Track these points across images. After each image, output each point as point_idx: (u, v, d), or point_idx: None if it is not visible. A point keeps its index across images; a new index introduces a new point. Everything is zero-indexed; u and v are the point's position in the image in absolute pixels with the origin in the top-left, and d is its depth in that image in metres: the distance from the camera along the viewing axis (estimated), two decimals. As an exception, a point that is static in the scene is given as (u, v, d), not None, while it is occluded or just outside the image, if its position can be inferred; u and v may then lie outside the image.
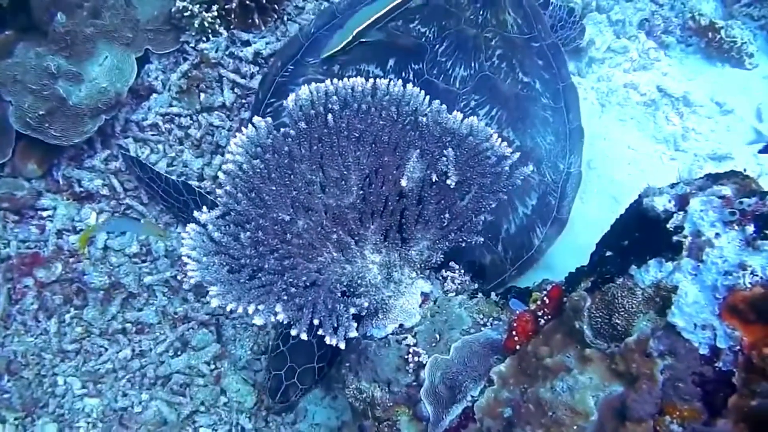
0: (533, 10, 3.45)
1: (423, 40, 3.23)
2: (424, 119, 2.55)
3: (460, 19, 3.28)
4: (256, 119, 2.47)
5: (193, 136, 3.77)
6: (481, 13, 3.31)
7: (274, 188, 2.45)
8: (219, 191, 2.42)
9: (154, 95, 3.83)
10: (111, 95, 3.46)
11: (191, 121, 3.82)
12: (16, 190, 3.47)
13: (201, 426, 3.49)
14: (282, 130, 2.50)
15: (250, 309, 2.25)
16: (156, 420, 3.46)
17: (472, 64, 3.20)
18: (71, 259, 3.48)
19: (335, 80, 2.53)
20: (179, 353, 3.53)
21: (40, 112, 3.28)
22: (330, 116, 2.49)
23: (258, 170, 2.44)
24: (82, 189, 3.58)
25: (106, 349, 3.50)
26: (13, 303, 3.44)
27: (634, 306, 1.84)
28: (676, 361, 1.70)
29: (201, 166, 3.71)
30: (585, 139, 3.35)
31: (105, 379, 3.44)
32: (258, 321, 2.25)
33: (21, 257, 3.42)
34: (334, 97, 2.50)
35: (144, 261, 3.61)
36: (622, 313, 1.85)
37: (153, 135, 3.75)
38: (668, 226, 1.92)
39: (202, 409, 3.49)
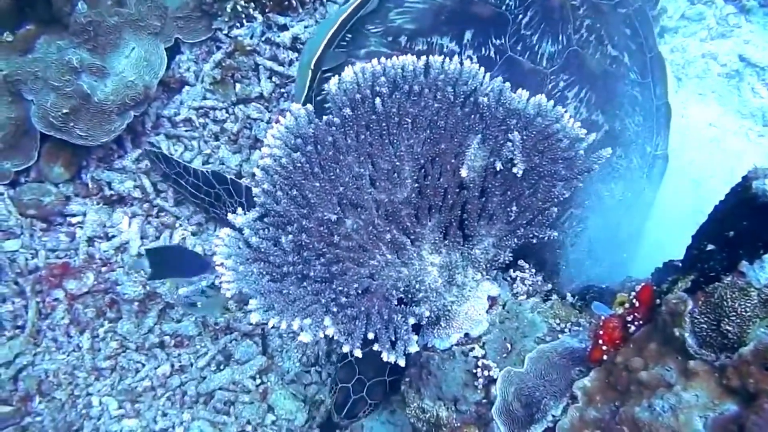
0: None
1: (503, 8, 2.79)
2: (485, 100, 2.31)
3: None
4: (294, 107, 2.23)
5: (229, 130, 3.59)
6: None
7: (318, 184, 2.23)
8: (256, 190, 2.20)
9: (187, 87, 3.65)
10: (139, 89, 3.26)
11: (227, 114, 3.64)
12: (43, 196, 3.30)
13: (248, 448, 3.33)
14: (325, 117, 2.27)
15: (296, 324, 2.04)
16: (199, 442, 3.32)
17: (560, 38, 2.79)
18: (103, 268, 3.31)
19: (383, 59, 2.26)
20: (222, 367, 3.36)
21: (64, 111, 3.09)
22: (378, 100, 2.26)
23: (299, 164, 2.22)
24: (112, 192, 3.41)
25: (144, 365, 3.34)
26: (43, 317, 3.28)
27: (748, 309, 1.61)
28: (805, 374, 1.46)
29: (239, 162, 3.54)
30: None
31: (143, 398, 3.30)
32: (305, 338, 2.03)
33: (50, 268, 3.26)
34: (382, 79, 2.28)
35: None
36: (734, 318, 1.62)
37: (186, 131, 3.58)
38: (786, 213, 1.67)
39: (249, 428, 3.32)
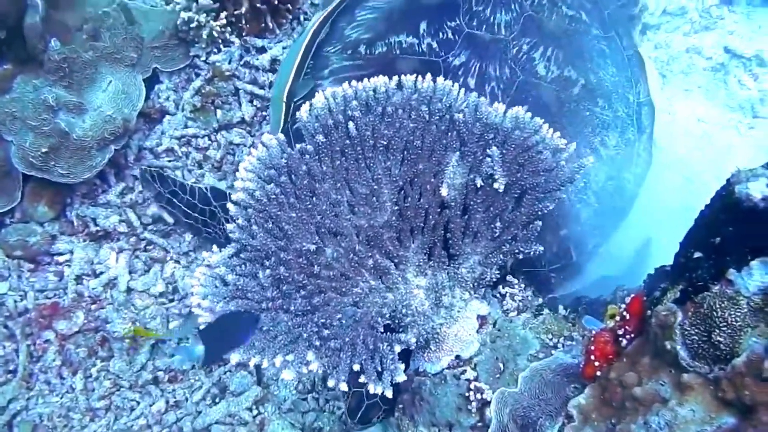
0: None
1: None
2: (461, 116, 2.27)
3: None
4: (266, 137, 2.19)
5: (212, 157, 3.53)
6: None
7: (294, 215, 2.19)
8: (230, 226, 2.15)
9: (168, 117, 3.58)
10: (118, 123, 3.20)
11: (209, 142, 3.58)
12: (29, 236, 3.25)
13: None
14: (298, 146, 2.21)
15: (278, 361, 1.99)
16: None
17: (513, 6, 2.89)
18: (93, 306, 3.25)
19: (354, 82, 2.23)
20: (217, 400, 3.28)
21: (43, 150, 3.04)
22: (352, 124, 2.22)
23: (274, 196, 2.18)
24: (98, 228, 3.34)
25: (138, 403, 3.27)
26: (35, 360, 3.21)
27: (738, 319, 1.57)
28: (801, 383, 1.41)
29: (225, 189, 3.44)
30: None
31: None
32: (287, 375, 1.97)
33: (39, 309, 3.20)
34: (354, 102, 2.24)
35: (171, 300, 3.36)
36: (725, 328, 1.58)
37: (170, 161, 3.51)
38: (771, 216, 1.62)
39: (248, 461, 3.26)
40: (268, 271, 2.11)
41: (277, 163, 2.18)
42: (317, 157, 2.22)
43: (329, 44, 2.95)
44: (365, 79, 2.25)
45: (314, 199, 2.20)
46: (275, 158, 2.18)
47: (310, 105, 2.22)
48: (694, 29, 4.04)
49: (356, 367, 2.04)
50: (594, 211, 2.82)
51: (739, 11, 4.09)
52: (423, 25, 2.81)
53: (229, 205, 2.19)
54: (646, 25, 4.00)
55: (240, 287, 2.10)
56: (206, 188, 3.18)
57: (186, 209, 3.20)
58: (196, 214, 3.18)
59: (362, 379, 2.06)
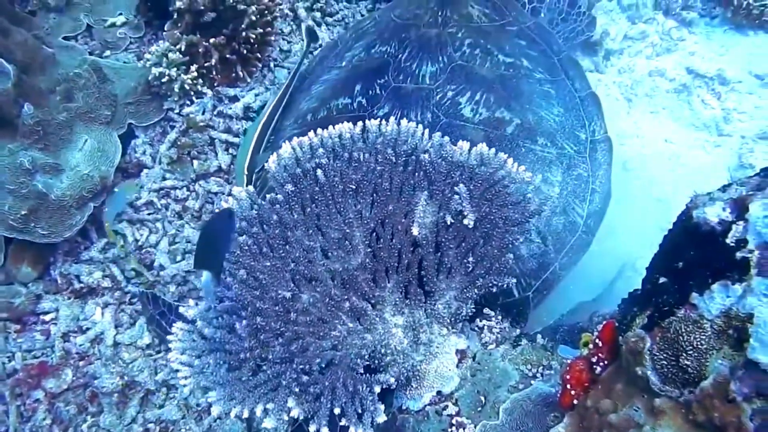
0: None
1: (385, 57, 3.22)
2: (426, 156, 2.31)
3: (419, 25, 3.28)
4: (235, 190, 2.22)
5: (191, 207, 3.57)
6: (440, 14, 3.30)
7: (268, 263, 2.20)
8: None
9: (145, 171, 3.63)
10: (96, 181, 3.25)
11: (188, 192, 3.61)
12: (14, 298, 3.27)
13: None
14: (268, 196, 2.24)
15: (258, 410, 1.99)
16: None
17: (440, 58, 3.11)
18: (81, 362, 3.26)
19: (319, 130, 2.27)
20: (209, 449, 3.27)
21: (23, 212, 3.07)
22: (320, 172, 2.25)
23: (246, 247, 2.19)
24: (82, 284, 3.37)
25: (131, 457, 3.25)
26: (25, 420, 3.21)
27: (703, 342, 1.58)
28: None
29: (205, 237, 3.47)
30: (615, 137, 3.11)
31: None
32: (268, 424, 1.97)
33: (27, 369, 3.20)
34: (321, 150, 2.28)
35: (159, 352, 3.36)
36: (691, 352, 1.59)
37: (149, 213, 3.55)
38: (728, 240, 1.64)
39: None
40: (244, 322, 2.12)
41: (248, 214, 2.21)
42: (288, 205, 2.24)
43: (287, 118, 3.29)
44: (330, 126, 2.31)
45: (287, 246, 2.21)
46: (246, 210, 2.22)
47: (278, 155, 2.26)
48: (656, 52, 4.10)
49: (337, 411, 2.04)
50: (538, 249, 2.83)
51: (699, 32, 4.15)
52: (357, 87, 3.13)
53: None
54: (609, 51, 4.06)
55: (217, 339, 2.11)
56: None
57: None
58: None
59: (343, 422, 2.07)
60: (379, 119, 2.32)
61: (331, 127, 2.30)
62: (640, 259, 2.13)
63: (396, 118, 2.35)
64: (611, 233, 3.06)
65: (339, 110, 3.08)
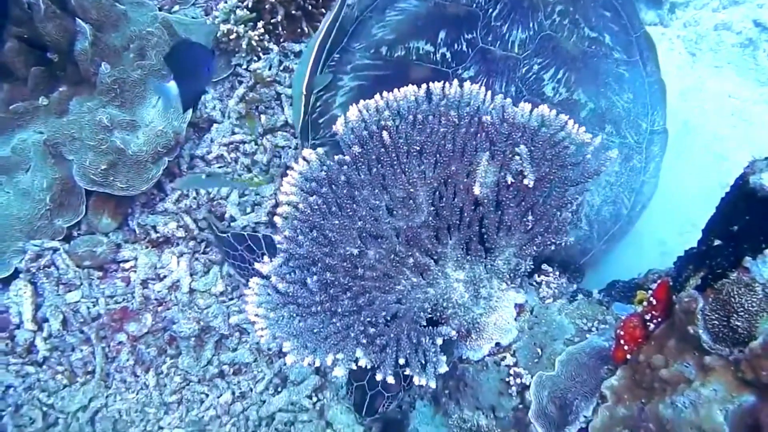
0: None
1: (474, 6, 2.98)
2: (489, 118, 2.36)
3: None
4: (306, 152, 2.33)
5: (260, 161, 3.66)
6: None
7: (337, 222, 2.31)
8: (277, 237, 2.29)
9: (215, 125, 3.74)
10: (170, 136, 3.38)
11: (256, 146, 3.70)
12: (96, 247, 3.45)
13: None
14: (336, 157, 2.34)
15: (329, 360, 2.12)
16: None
17: (531, 25, 2.95)
18: (159, 308, 3.44)
19: (385, 94, 2.35)
20: (279, 390, 3.43)
21: (103, 167, 3.23)
22: (385, 134, 2.33)
23: (316, 207, 2.31)
24: (158, 234, 3.53)
25: (207, 396, 3.44)
26: (110, 361, 3.42)
27: (754, 304, 1.61)
28: (815, 364, 1.47)
29: (273, 191, 3.60)
30: (677, 94, 3.05)
31: (210, 426, 3.39)
32: (338, 372, 2.11)
33: (111, 314, 3.40)
34: (386, 113, 2.35)
35: (231, 299, 3.54)
36: (742, 313, 1.63)
37: (220, 167, 3.66)
38: (783, 207, 1.66)
39: (310, 446, 3.41)
40: (315, 277, 2.25)
41: (317, 175, 2.32)
42: (355, 166, 2.35)
43: (357, 41, 3.01)
44: (395, 90, 2.38)
45: (354, 206, 2.32)
46: (315, 171, 2.32)
47: (345, 118, 2.36)
48: (722, 4, 3.98)
49: (402, 361, 2.16)
50: (584, 236, 2.85)
51: (768, -18, 4.01)
52: (442, 34, 2.92)
53: (276, 218, 2.34)
54: (674, 3, 3.97)
55: (291, 294, 2.24)
56: (229, 236, 3.28)
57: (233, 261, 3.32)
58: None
59: (407, 371, 2.20)
60: (460, 79, 2.33)
61: (396, 90, 2.37)
62: (698, 216, 2.14)
63: (481, 85, 2.38)
64: (670, 190, 3.06)
65: (419, 56, 2.89)
